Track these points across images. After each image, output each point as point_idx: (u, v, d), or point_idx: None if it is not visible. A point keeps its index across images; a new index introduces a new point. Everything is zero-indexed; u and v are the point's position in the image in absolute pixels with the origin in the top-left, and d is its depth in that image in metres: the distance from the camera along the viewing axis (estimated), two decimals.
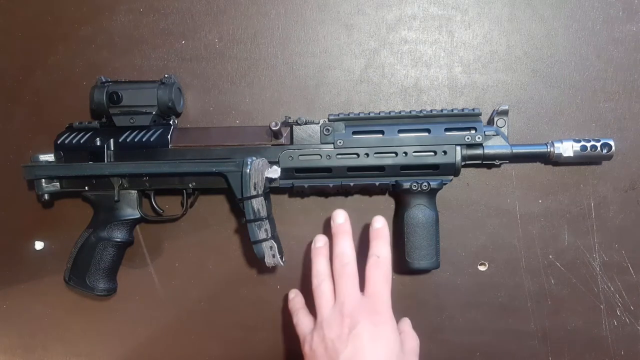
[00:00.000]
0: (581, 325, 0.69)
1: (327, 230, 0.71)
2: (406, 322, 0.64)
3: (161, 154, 0.66)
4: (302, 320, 0.61)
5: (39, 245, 0.75)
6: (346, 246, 0.59)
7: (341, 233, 0.60)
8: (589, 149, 0.63)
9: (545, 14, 0.68)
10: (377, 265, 0.57)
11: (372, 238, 0.60)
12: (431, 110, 0.64)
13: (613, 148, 0.62)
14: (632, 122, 0.67)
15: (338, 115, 0.65)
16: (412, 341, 0.60)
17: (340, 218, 0.61)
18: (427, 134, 0.63)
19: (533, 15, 0.68)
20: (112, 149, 0.66)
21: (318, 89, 0.70)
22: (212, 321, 0.73)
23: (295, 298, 0.66)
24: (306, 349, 0.57)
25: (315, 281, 0.59)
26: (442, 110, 0.63)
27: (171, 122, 0.68)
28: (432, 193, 0.64)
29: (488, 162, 0.64)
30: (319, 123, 0.64)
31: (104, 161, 0.66)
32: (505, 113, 0.64)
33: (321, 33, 0.70)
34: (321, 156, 0.64)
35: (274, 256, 0.63)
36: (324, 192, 0.70)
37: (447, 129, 0.62)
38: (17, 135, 0.74)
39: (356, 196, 0.70)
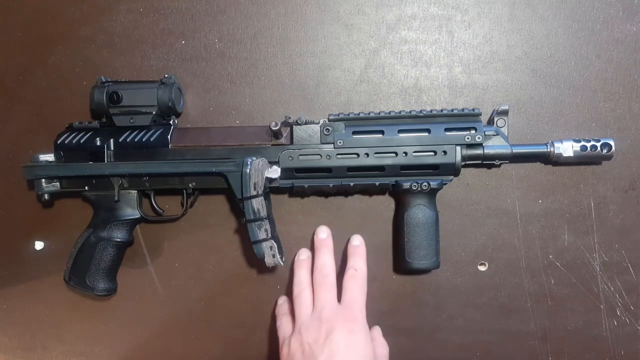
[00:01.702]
0: (581, 325, 0.69)
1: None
2: (377, 331, 0.66)
3: (161, 154, 0.66)
4: (284, 324, 0.63)
5: (39, 245, 0.75)
6: (327, 259, 0.63)
7: (323, 247, 0.65)
8: (589, 149, 0.62)
9: (545, 14, 0.68)
10: (354, 277, 0.62)
11: (350, 254, 0.65)
12: (431, 110, 0.64)
13: (613, 148, 0.62)
14: (632, 122, 0.67)
15: (338, 115, 0.65)
16: (383, 349, 0.63)
17: (323, 234, 0.67)
18: (427, 134, 0.63)
19: (533, 15, 0.68)
20: (112, 149, 0.66)
21: (318, 89, 0.70)
22: (212, 321, 0.73)
23: (283, 305, 0.67)
24: (284, 351, 0.59)
25: (297, 289, 0.63)
26: (442, 110, 0.63)
27: (171, 122, 0.68)
28: (432, 193, 0.64)
29: (488, 162, 0.64)
30: (319, 123, 0.64)
31: (104, 161, 0.66)
32: (505, 113, 0.64)
33: (321, 33, 0.70)
34: (321, 156, 0.64)
35: (274, 256, 0.63)
36: (324, 192, 0.70)
37: (447, 129, 0.62)
38: (17, 135, 0.74)
39: (356, 196, 0.70)
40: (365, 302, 0.61)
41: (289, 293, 0.69)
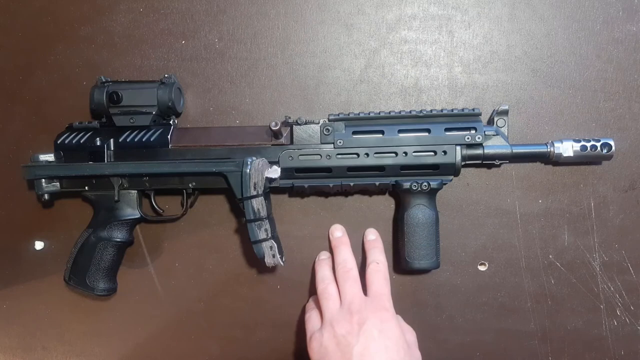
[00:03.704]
0: (581, 325, 0.69)
1: (329, 227, 0.71)
2: (400, 319, 0.65)
3: (161, 154, 0.66)
4: (312, 318, 0.63)
5: (39, 245, 0.75)
6: (347, 255, 0.65)
7: (340, 244, 0.67)
8: (589, 148, 0.63)
9: (545, 14, 0.68)
10: (377, 269, 0.63)
11: (368, 248, 0.67)
12: (431, 110, 0.64)
13: (613, 148, 0.62)
14: (632, 122, 0.67)
15: (338, 115, 0.65)
16: (411, 335, 0.63)
17: (338, 232, 0.69)
18: (427, 134, 0.63)
19: (533, 15, 0.68)
20: (112, 149, 0.66)
21: (318, 89, 0.70)
22: (212, 321, 0.73)
23: (312, 301, 0.67)
24: (314, 345, 0.59)
25: (321, 285, 0.63)
26: (442, 110, 0.63)
27: (171, 122, 0.68)
28: (432, 193, 0.64)
29: (488, 162, 0.64)
30: (319, 123, 0.64)
31: (104, 161, 0.66)
32: (505, 113, 0.64)
33: (321, 33, 0.70)
34: (321, 156, 0.64)
35: (274, 256, 0.63)
36: (324, 192, 0.70)
37: (447, 129, 0.62)
38: (17, 135, 0.74)
39: (356, 196, 0.70)
40: (390, 292, 0.61)
41: (312, 292, 0.69)
